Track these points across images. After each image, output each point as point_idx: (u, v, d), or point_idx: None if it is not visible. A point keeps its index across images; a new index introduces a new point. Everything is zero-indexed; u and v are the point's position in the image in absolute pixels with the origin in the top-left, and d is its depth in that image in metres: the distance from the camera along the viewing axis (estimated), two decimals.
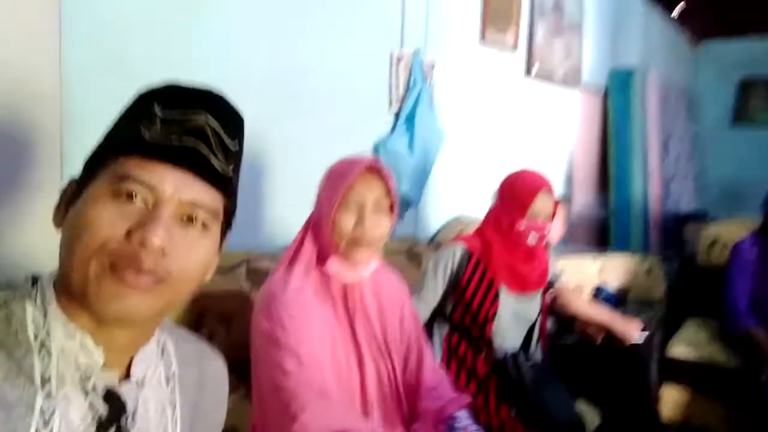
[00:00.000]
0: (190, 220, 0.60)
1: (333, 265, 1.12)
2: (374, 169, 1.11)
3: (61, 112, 1.26)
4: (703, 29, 5.59)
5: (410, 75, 2.17)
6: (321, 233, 1.13)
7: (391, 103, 2.16)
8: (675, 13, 4.87)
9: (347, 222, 1.10)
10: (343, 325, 1.15)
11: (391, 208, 1.15)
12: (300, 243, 1.17)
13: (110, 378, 0.60)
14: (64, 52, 1.24)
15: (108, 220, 0.56)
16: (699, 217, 4.44)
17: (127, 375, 0.63)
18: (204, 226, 0.61)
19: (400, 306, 1.28)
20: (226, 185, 0.63)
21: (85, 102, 1.29)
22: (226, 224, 0.66)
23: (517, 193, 1.67)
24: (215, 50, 1.53)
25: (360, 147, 2.10)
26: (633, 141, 3.98)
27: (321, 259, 1.14)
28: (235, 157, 0.64)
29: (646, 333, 1.91)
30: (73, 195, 0.60)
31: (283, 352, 1.04)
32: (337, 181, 1.10)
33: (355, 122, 2.05)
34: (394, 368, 1.22)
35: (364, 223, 1.09)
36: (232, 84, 1.55)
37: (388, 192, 1.13)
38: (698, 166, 4.88)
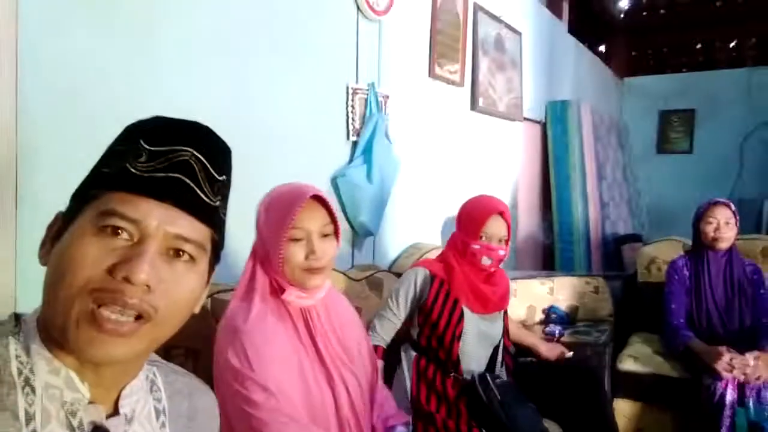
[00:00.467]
0: (177, 254, 0.60)
1: (290, 294, 1.15)
2: (316, 197, 1.15)
3: (17, 149, 1.22)
4: (625, 67, 6.07)
5: (366, 107, 2.24)
6: (271, 265, 1.15)
7: (348, 135, 2.21)
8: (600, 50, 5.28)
9: (298, 253, 1.13)
10: (307, 346, 1.17)
11: (336, 232, 1.19)
12: (252, 274, 1.19)
13: (97, 413, 0.59)
14: (21, 92, 1.21)
15: (92, 258, 0.56)
16: (634, 239, 4.72)
17: (115, 410, 0.62)
18: (191, 259, 0.61)
19: (355, 323, 1.33)
20: (214, 218, 0.63)
21: (41, 140, 1.26)
22: (214, 257, 0.66)
23: (471, 217, 1.75)
24: (169, 88, 1.52)
25: (319, 178, 2.13)
26: (571, 168, 4.22)
27: (274, 289, 1.16)
28: (222, 189, 0.64)
29: (570, 354, 2.04)
30: (58, 231, 0.60)
31: (249, 383, 1.04)
32: (282, 214, 1.12)
33: (314, 154, 2.08)
34: (360, 384, 1.25)
35: (315, 251, 1.13)
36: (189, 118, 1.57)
37: (332, 217, 1.17)
38: (630, 191, 5.22)
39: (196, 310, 0.66)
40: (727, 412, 2.07)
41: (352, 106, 2.20)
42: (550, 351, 2.08)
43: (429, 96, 2.76)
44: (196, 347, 1.45)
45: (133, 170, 0.58)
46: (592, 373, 1.97)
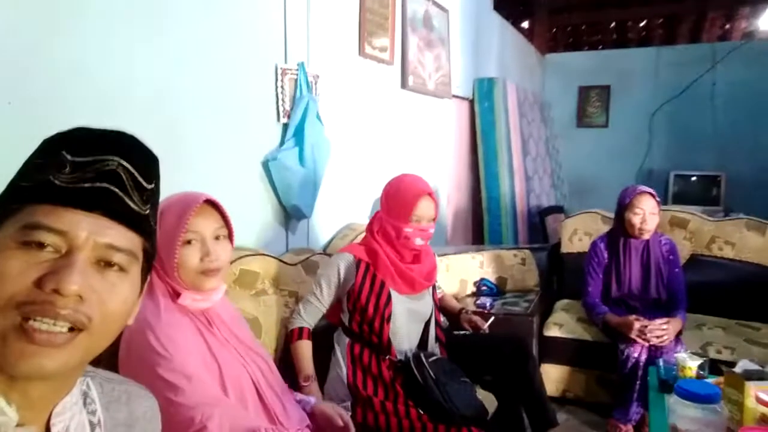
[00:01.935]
0: (108, 264, 0.59)
1: (185, 299, 1.17)
2: (208, 202, 1.19)
3: None
4: (546, 44, 6.28)
5: (296, 87, 2.19)
6: (165, 271, 1.16)
7: (279, 116, 2.15)
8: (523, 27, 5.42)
9: (193, 256, 1.16)
10: (216, 336, 1.20)
11: (229, 235, 1.23)
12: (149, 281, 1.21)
13: None
14: None
15: (16, 271, 0.54)
16: (557, 210, 4.98)
17: (47, 430, 0.59)
18: (123, 269, 0.60)
19: (245, 324, 1.38)
20: (144, 226, 0.62)
21: None
22: (147, 265, 0.65)
23: (400, 201, 1.75)
24: (88, 75, 1.42)
25: (249, 162, 2.07)
26: (498, 144, 4.35)
27: (170, 294, 1.18)
28: (151, 197, 0.63)
29: (491, 320, 2.17)
30: None
31: (169, 373, 1.05)
32: (176, 218, 1.14)
33: (244, 138, 2.02)
34: (270, 368, 1.32)
35: (209, 254, 1.16)
36: (112, 106, 1.47)
37: (225, 221, 1.21)
38: (553, 165, 5.47)
39: (130, 321, 0.65)
40: (641, 372, 2.27)
41: (282, 87, 2.14)
42: (474, 322, 2.15)
43: (360, 75, 2.74)
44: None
45: (57, 182, 0.57)
46: (521, 342, 2.07)
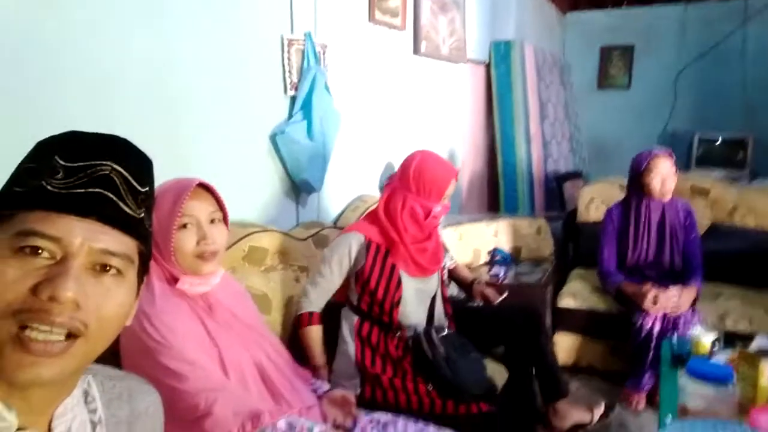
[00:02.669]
0: (104, 268, 0.59)
1: (184, 283, 1.17)
2: (202, 186, 1.19)
3: None
4: (566, 1, 6.03)
5: (303, 59, 2.14)
6: (162, 256, 1.16)
7: (286, 89, 2.11)
8: None
9: (189, 240, 1.16)
10: (216, 320, 1.20)
11: (224, 219, 1.23)
12: None
13: None
14: None
15: (11, 279, 0.54)
16: (575, 176, 4.88)
17: (50, 430, 0.60)
18: (119, 273, 0.60)
19: (251, 306, 1.39)
20: (139, 229, 0.62)
21: None
22: (143, 267, 0.65)
23: (432, 181, 1.73)
24: (86, 49, 1.40)
25: (257, 136, 2.05)
26: (515, 108, 4.24)
27: (167, 279, 1.18)
28: (146, 200, 0.63)
29: (504, 295, 2.14)
30: None
31: (171, 361, 1.06)
32: (171, 204, 1.14)
33: (251, 112, 1.99)
34: (278, 350, 1.33)
35: (205, 237, 1.16)
36: (110, 87, 1.45)
37: (219, 205, 1.22)
38: (571, 129, 5.33)
39: (128, 322, 0.65)
40: (653, 344, 2.26)
41: (288, 59, 2.09)
42: (487, 295, 2.13)
43: (370, 42, 2.66)
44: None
45: (50, 188, 0.56)
46: (533, 314, 2.06)
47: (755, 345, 1.59)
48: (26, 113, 1.26)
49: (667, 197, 2.43)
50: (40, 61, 1.30)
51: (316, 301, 1.73)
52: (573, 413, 2.02)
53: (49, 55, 1.32)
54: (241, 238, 1.75)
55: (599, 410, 2.08)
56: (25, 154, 0.61)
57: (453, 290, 2.38)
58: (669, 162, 2.40)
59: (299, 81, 2.13)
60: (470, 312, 2.07)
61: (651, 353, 2.26)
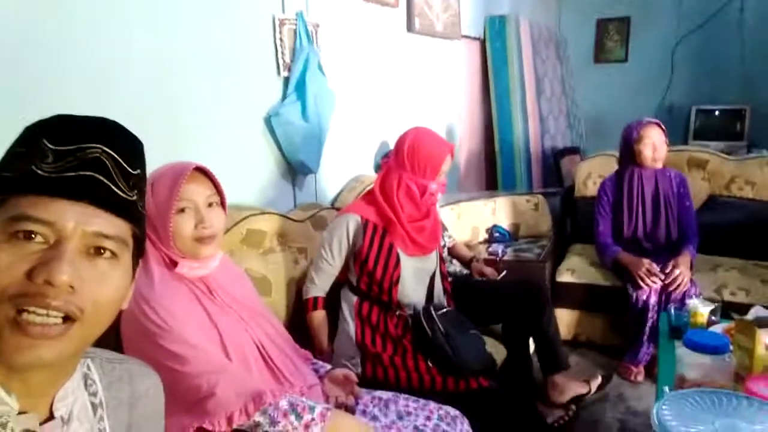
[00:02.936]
0: (98, 251, 0.59)
1: (183, 267, 1.17)
2: (199, 169, 1.19)
3: None
4: None
5: (296, 39, 2.11)
6: (160, 240, 1.16)
7: (279, 70, 2.09)
8: None
9: (187, 223, 1.15)
10: (215, 302, 1.21)
11: (222, 203, 1.23)
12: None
13: (30, 422, 0.58)
14: None
15: (6, 264, 0.54)
16: (572, 151, 4.86)
17: (51, 415, 0.61)
18: (113, 255, 0.60)
19: (251, 288, 1.38)
20: (132, 212, 0.62)
21: None
22: (138, 250, 0.65)
23: (427, 158, 1.71)
24: (83, 40, 1.39)
25: (251, 118, 2.03)
26: (511, 84, 4.20)
27: (166, 263, 1.17)
28: (138, 183, 0.63)
29: (503, 274, 2.18)
30: None
31: (172, 344, 1.07)
32: (168, 188, 1.14)
33: (244, 94, 1.97)
34: (278, 332, 1.34)
35: (203, 221, 1.16)
36: (109, 82, 1.44)
37: (216, 188, 1.22)
38: (568, 104, 5.29)
39: (125, 306, 0.65)
40: (650, 313, 2.28)
41: (281, 39, 2.06)
42: (484, 273, 2.20)
43: (363, 21, 2.62)
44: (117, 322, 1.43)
45: (40, 172, 0.56)
46: (536, 288, 2.07)
47: (752, 314, 1.60)
48: (26, 113, 1.24)
49: (659, 164, 2.47)
50: (40, 60, 1.30)
51: (320, 285, 1.75)
52: (571, 386, 2.05)
53: (49, 55, 1.32)
54: (239, 221, 1.75)
55: (596, 382, 2.11)
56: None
57: (456, 266, 2.39)
58: (658, 130, 2.45)
59: (292, 61, 2.10)
60: (470, 289, 2.08)
61: (648, 325, 2.28)
